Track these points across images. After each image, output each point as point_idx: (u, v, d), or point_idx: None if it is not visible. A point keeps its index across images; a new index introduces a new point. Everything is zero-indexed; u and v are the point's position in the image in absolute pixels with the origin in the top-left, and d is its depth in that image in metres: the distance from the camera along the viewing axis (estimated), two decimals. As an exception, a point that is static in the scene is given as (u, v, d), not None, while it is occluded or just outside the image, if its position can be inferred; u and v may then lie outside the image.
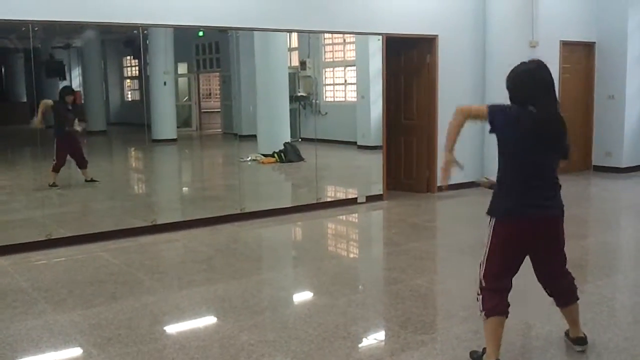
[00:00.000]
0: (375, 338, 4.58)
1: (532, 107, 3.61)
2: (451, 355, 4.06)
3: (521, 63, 3.75)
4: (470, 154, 10.08)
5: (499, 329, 3.74)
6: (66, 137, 9.40)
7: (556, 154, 3.75)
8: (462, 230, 7.94)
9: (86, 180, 9.69)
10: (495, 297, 3.73)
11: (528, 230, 3.72)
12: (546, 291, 4.03)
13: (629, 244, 7.43)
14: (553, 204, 3.81)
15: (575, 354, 4.00)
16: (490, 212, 3.77)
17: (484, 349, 3.81)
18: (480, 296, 3.78)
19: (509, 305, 3.77)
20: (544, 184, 3.74)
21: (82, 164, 9.63)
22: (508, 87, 3.76)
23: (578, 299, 4.07)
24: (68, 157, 9.52)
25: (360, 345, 4.36)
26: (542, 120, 3.60)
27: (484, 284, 3.78)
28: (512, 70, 3.77)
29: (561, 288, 4.02)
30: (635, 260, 6.73)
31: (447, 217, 9.12)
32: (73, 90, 10.22)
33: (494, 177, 3.85)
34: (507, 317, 3.76)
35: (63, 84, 12.33)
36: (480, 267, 3.81)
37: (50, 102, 9.17)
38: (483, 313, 3.73)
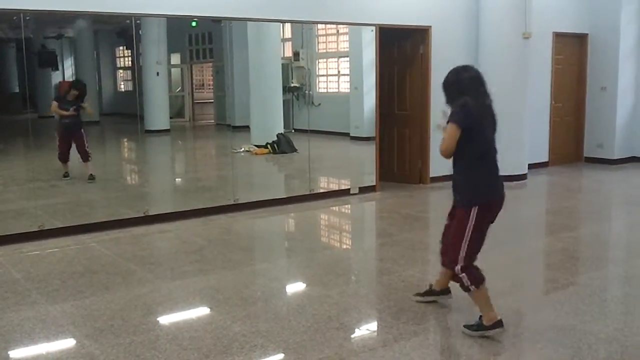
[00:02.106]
0: (368, 328, 4.60)
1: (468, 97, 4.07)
2: (443, 345, 4.08)
3: (468, 67, 4.26)
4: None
5: (487, 292, 4.19)
6: (64, 129, 9.34)
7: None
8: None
9: (88, 178, 9.51)
10: (475, 270, 4.17)
11: (497, 207, 4.19)
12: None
13: (620, 235, 7.47)
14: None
15: (568, 343, 4.03)
16: (473, 201, 4.10)
17: (480, 316, 4.17)
18: (464, 275, 4.12)
19: None
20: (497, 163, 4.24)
21: (82, 156, 9.50)
22: (460, 81, 4.18)
23: None
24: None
25: (353, 336, 4.38)
26: (489, 105, 4.15)
27: (464, 264, 4.12)
28: (465, 71, 4.23)
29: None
30: (626, 251, 6.76)
31: (439, 208, 9.09)
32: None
33: None
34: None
35: (55, 74, 12.26)
36: (460, 252, 4.12)
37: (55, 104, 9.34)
38: (473, 287, 4.12)
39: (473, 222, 4.08)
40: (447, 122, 4.05)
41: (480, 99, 4.09)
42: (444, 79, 4.24)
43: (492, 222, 4.23)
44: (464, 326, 4.23)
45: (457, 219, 4.21)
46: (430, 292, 4.78)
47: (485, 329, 4.12)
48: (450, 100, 4.17)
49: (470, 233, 4.09)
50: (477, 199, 4.11)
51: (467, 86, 4.11)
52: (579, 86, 12.02)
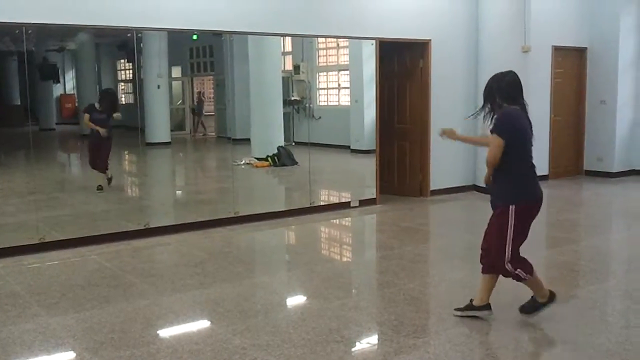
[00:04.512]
0: (368, 342, 4.59)
1: (515, 104, 4.45)
2: (444, 358, 4.07)
3: (506, 72, 4.58)
4: (463, 158, 10.13)
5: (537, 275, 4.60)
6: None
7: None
8: (455, 233, 7.96)
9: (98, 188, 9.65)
10: (524, 261, 4.52)
11: (535, 208, 4.48)
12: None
13: (620, 248, 7.47)
14: None
15: (570, 357, 4.02)
16: (511, 201, 4.39)
17: (532, 297, 4.62)
18: (519, 270, 4.47)
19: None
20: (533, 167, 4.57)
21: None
22: (501, 88, 4.48)
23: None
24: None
25: (353, 349, 4.38)
26: (525, 111, 4.52)
27: (512, 260, 4.45)
28: (504, 76, 4.55)
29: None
30: (626, 264, 6.76)
31: (439, 220, 9.15)
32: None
33: None
34: None
35: (57, 87, 12.32)
36: (505, 254, 4.43)
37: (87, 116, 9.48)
38: (529, 275, 4.49)
39: (513, 222, 4.36)
40: (491, 131, 4.34)
41: (519, 104, 4.45)
42: (486, 84, 4.52)
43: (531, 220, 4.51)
44: (520, 308, 4.67)
45: (496, 222, 4.48)
46: (470, 307, 4.75)
47: (538, 304, 4.60)
48: (490, 105, 4.48)
49: (512, 232, 4.38)
50: (515, 199, 4.39)
51: (507, 92, 4.44)
52: (579, 100, 12.06)
